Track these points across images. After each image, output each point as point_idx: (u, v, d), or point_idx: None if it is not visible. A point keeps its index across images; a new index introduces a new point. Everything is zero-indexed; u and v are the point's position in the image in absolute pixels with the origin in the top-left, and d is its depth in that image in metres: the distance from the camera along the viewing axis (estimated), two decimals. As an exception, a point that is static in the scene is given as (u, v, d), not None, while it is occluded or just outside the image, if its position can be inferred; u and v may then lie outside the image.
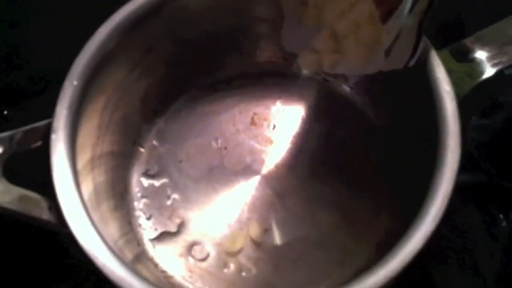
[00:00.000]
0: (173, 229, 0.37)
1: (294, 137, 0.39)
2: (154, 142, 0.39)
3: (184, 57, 0.38)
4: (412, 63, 0.31)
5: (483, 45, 0.33)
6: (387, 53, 0.33)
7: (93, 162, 0.33)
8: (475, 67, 0.33)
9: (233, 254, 0.35)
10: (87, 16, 0.34)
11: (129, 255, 0.33)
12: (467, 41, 0.34)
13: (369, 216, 0.36)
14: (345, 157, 0.38)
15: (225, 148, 0.39)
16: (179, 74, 0.39)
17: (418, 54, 0.31)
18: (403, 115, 0.35)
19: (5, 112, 0.44)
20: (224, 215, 0.37)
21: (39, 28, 0.45)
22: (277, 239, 0.36)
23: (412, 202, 0.29)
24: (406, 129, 0.35)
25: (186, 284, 0.35)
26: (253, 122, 0.40)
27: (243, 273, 0.35)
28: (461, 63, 0.33)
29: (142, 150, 0.39)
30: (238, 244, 0.35)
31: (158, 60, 0.37)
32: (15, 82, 0.44)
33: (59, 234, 0.29)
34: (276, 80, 0.41)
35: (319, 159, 0.38)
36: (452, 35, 0.35)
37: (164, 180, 0.38)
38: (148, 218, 0.37)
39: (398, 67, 0.32)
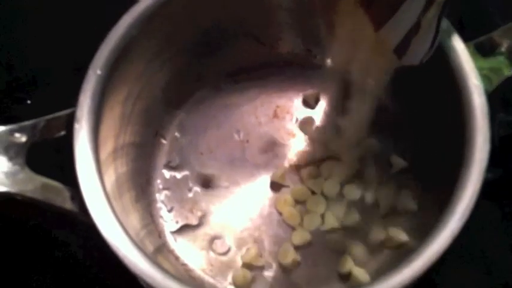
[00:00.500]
0: (194, 222, 0.36)
1: (317, 130, 0.39)
2: (176, 133, 0.39)
3: (205, 46, 0.38)
4: (427, 58, 0.30)
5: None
6: (401, 49, 0.31)
7: (115, 152, 0.33)
8: (503, 62, 0.32)
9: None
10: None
11: (150, 247, 0.33)
12: (495, 35, 0.33)
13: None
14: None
15: (247, 141, 0.39)
16: (200, 64, 0.39)
17: (434, 48, 0.30)
18: (428, 110, 0.35)
19: (28, 102, 0.44)
20: (245, 208, 0.37)
21: (57, 16, 0.45)
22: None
23: (439, 200, 0.29)
24: (431, 124, 0.35)
25: (206, 277, 0.35)
26: (275, 115, 0.39)
27: (264, 270, 0.35)
28: (487, 57, 0.33)
29: (164, 141, 0.39)
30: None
31: (179, 50, 0.37)
32: (37, 70, 0.44)
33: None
34: (298, 71, 0.40)
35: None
36: (475, 29, 0.33)
37: (186, 172, 0.38)
38: (170, 210, 0.37)
39: (415, 63, 0.31)
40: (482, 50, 0.33)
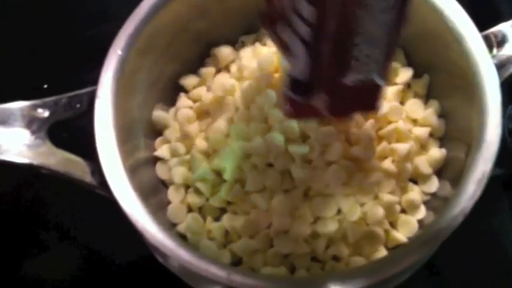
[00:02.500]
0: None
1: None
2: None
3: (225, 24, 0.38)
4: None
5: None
6: None
7: (134, 129, 0.34)
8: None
9: None
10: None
11: (165, 225, 0.33)
12: (505, 26, 0.34)
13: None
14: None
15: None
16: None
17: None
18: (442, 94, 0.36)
19: (45, 86, 0.45)
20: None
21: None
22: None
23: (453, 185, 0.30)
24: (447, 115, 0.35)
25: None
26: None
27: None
28: (497, 49, 0.33)
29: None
30: None
31: (199, 33, 0.37)
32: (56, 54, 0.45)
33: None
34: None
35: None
36: (483, 21, 0.34)
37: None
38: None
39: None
40: (491, 42, 0.33)
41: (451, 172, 0.33)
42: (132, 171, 0.31)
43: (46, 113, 0.31)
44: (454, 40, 0.32)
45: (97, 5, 0.47)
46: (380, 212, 0.32)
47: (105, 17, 0.43)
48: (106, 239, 0.38)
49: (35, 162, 0.29)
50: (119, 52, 0.32)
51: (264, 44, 0.37)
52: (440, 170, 0.34)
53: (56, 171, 0.30)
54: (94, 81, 0.32)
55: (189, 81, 0.38)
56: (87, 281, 0.38)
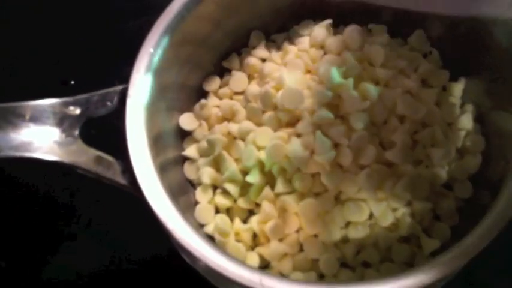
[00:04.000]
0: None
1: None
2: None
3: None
4: None
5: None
6: None
7: (165, 128, 0.33)
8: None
9: None
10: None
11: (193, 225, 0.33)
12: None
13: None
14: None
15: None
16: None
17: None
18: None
19: (72, 82, 0.45)
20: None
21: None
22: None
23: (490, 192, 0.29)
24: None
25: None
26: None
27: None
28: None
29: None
30: None
31: (224, 34, 0.37)
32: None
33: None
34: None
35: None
36: None
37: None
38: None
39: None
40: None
41: (489, 179, 0.32)
42: (162, 171, 0.30)
43: (77, 111, 0.30)
44: (495, 42, 0.31)
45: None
46: (413, 218, 0.32)
47: (140, 12, 0.42)
48: (132, 234, 0.38)
49: (66, 160, 0.29)
50: (151, 50, 0.32)
51: (292, 43, 0.37)
52: (478, 177, 0.33)
53: (87, 170, 0.29)
54: (125, 78, 0.31)
55: (213, 85, 0.37)
56: (112, 275, 0.38)
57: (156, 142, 0.31)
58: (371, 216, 0.32)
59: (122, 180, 0.29)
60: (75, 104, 0.31)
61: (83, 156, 0.30)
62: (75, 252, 0.39)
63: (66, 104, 0.30)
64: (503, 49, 0.31)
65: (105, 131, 0.31)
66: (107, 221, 0.39)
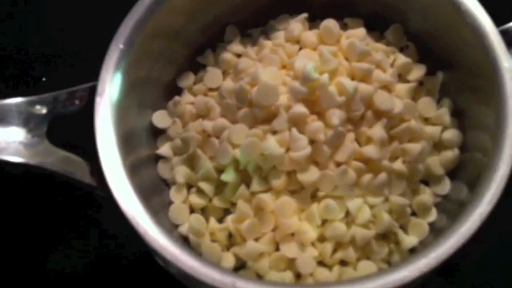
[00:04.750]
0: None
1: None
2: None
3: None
4: None
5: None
6: None
7: (135, 127, 0.32)
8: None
9: None
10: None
11: (167, 226, 0.32)
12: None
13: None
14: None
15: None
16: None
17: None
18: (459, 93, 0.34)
19: (44, 79, 0.44)
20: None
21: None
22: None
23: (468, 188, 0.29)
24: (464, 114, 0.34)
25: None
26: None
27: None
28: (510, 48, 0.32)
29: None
30: None
31: (201, 29, 0.36)
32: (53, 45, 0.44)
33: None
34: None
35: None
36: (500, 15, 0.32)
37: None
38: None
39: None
40: (508, 38, 0.32)
41: (467, 174, 0.32)
42: (133, 170, 0.30)
43: (44, 110, 0.30)
44: (472, 35, 0.31)
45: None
46: (390, 214, 0.31)
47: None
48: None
49: (32, 161, 0.28)
50: (121, 46, 0.31)
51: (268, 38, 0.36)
52: (455, 172, 0.33)
53: (54, 171, 0.28)
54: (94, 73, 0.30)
55: (187, 81, 0.36)
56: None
57: (127, 141, 0.31)
58: (347, 213, 0.31)
59: (91, 181, 0.29)
60: (41, 102, 0.30)
61: (50, 157, 0.29)
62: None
63: (32, 103, 0.29)
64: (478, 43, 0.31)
65: (74, 130, 0.30)
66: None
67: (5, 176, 0.38)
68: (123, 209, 0.27)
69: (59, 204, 0.39)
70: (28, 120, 0.29)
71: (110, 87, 0.30)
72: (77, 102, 0.30)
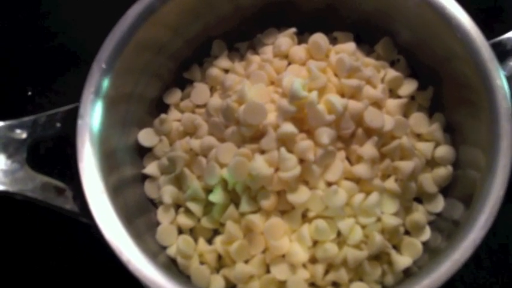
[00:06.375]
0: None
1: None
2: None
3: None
4: None
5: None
6: None
7: (119, 150, 0.31)
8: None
9: None
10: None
11: (154, 248, 0.31)
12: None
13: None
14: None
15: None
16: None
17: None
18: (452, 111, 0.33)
19: (29, 93, 0.42)
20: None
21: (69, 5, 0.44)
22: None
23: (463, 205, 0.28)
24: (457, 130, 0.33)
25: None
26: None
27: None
28: (503, 62, 0.31)
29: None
30: None
31: (184, 44, 0.35)
32: (40, 60, 0.43)
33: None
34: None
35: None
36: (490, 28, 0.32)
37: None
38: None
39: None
40: (498, 52, 0.31)
41: (460, 191, 0.31)
42: (117, 191, 0.29)
43: (24, 134, 0.29)
44: (462, 50, 0.30)
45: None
46: (382, 234, 0.30)
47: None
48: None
49: (11, 189, 0.27)
50: (103, 66, 0.30)
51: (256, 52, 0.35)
52: (448, 188, 0.32)
53: (34, 199, 0.28)
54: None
55: (174, 97, 0.36)
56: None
57: (110, 161, 0.30)
58: (339, 234, 0.31)
59: (72, 207, 0.28)
60: (21, 126, 0.29)
61: (30, 183, 0.28)
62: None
63: (11, 128, 0.29)
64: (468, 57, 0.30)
65: (55, 154, 0.29)
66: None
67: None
68: (107, 238, 0.26)
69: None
70: (7, 146, 0.28)
71: (92, 109, 0.29)
72: (58, 125, 0.29)
